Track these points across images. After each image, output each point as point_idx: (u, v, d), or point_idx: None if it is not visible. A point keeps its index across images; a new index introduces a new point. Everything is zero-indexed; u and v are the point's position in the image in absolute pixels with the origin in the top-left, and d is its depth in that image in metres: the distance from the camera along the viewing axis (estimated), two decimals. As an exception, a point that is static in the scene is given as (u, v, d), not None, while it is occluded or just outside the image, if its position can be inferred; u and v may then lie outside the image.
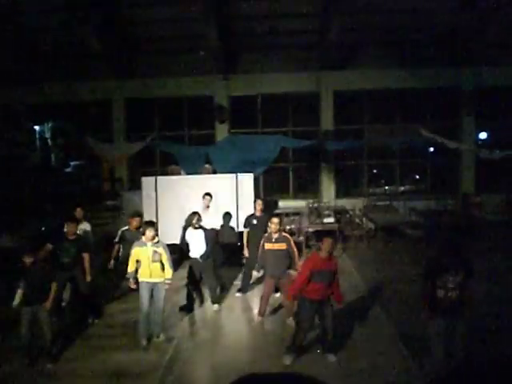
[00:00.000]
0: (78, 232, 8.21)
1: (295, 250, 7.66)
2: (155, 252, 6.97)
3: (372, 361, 6.19)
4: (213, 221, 9.95)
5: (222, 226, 10.72)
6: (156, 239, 7.07)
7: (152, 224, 7.24)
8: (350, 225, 14.19)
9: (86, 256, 7.98)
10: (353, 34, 15.23)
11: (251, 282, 9.42)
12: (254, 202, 10.01)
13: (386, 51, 15.82)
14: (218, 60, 15.46)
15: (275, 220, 7.56)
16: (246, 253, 9.36)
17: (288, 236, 7.74)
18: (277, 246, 7.50)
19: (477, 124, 16.14)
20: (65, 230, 7.96)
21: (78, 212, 9.09)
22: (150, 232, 6.99)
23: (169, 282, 7.07)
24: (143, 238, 7.07)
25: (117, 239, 9.09)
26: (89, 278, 7.99)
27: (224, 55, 15.37)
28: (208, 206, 10.02)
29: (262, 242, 7.71)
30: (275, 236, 7.55)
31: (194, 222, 8.34)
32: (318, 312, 6.17)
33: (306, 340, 6.29)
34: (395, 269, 10.77)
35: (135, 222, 9.09)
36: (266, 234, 7.78)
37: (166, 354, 6.56)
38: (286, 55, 16.11)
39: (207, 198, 10.04)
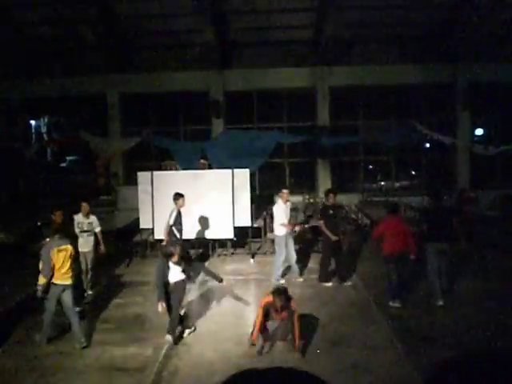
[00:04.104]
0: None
1: None
2: None
3: (366, 356, 6.23)
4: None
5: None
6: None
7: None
8: (345, 220, 14.21)
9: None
10: (348, 29, 15.22)
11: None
12: (327, 195, 9.88)
13: (382, 47, 15.82)
14: (213, 55, 15.42)
15: None
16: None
17: None
18: None
19: (472, 120, 16.17)
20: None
21: (84, 207, 9.10)
22: None
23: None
24: None
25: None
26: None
27: (219, 50, 15.34)
28: None
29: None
30: None
31: None
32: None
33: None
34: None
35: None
36: None
37: (161, 349, 6.58)
38: (281, 50, 16.09)
39: None
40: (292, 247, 9.73)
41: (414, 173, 17.51)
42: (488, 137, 16.44)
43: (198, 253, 12.35)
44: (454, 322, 7.21)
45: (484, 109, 16.21)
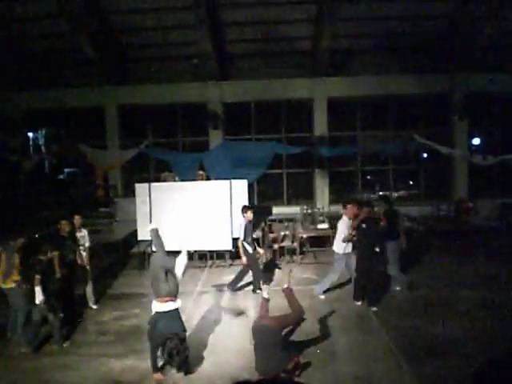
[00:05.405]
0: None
1: None
2: None
3: (367, 367, 6.19)
4: None
5: None
6: None
7: None
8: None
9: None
10: (346, 40, 15.31)
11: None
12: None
13: (378, 58, 15.87)
14: (211, 66, 15.47)
15: None
16: None
17: None
18: None
19: (469, 129, 16.21)
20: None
21: (77, 219, 9.06)
22: None
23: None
24: None
25: None
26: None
27: (217, 61, 15.39)
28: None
29: None
30: None
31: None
32: None
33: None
34: (386, 274, 10.76)
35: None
36: None
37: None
38: (279, 62, 16.15)
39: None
40: (353, 267, 9.20)
41: (411, 183, 17.51)
42: (486, 146, 16.47)
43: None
44: (453, 332, 7.18)
45: (482, 118, 16.25)
